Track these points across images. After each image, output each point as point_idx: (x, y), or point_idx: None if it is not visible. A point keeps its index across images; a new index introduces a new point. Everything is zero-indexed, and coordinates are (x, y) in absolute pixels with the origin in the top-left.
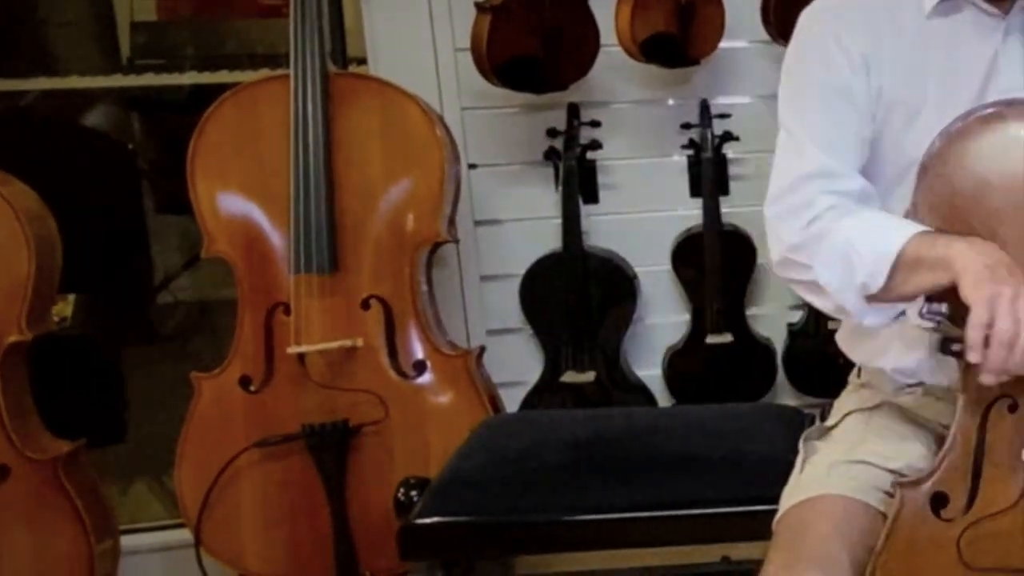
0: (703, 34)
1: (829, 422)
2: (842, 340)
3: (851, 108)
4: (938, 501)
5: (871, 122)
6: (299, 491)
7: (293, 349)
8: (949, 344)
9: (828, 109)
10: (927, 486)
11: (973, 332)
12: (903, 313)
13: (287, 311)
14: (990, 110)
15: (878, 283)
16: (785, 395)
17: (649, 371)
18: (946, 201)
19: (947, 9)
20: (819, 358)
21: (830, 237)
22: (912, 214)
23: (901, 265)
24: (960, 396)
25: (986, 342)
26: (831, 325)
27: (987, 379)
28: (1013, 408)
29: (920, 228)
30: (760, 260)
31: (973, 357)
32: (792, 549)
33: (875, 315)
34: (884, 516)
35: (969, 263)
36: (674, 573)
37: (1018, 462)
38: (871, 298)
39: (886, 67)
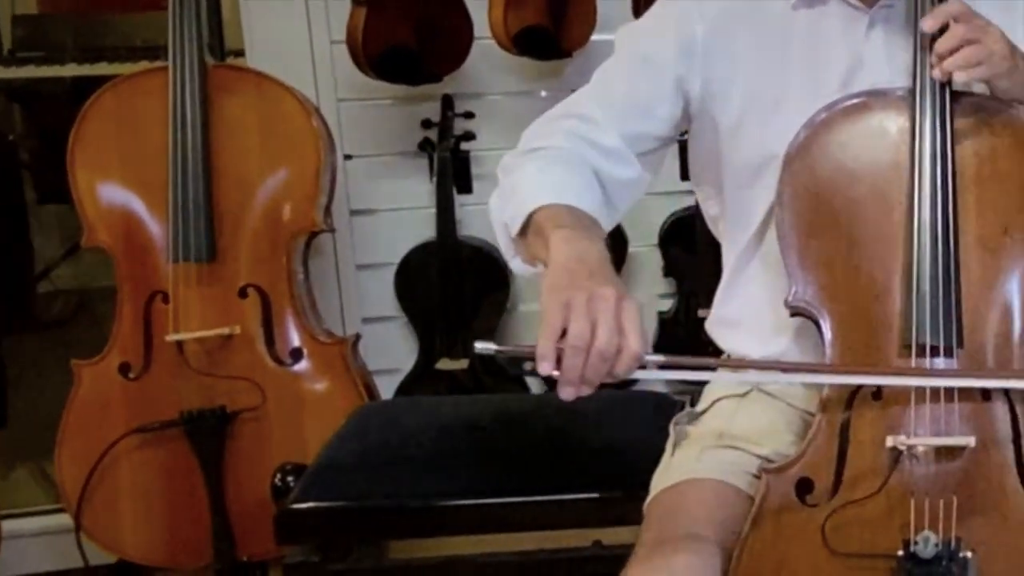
0: (575, 27)
1: (699, 407)
2: (711, 328)
3: (653, 80)
4: (803, 487)
5: (677, 102)
6: (178, 477)
7: (171, 337)
8: (521, 364)
9: (629, 69)
10: (792, 472)
11: (542, 341)
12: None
13: (166, 299)
14: (854, 101)
15: (514, 230)
16: (655, 381)
17: None
18: (810, 191)
19: (813, 0)
20: (689, 345)
21: (519, 172)
22: (777, 204)
23: (531, 226)
24: (826, 384)
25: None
26: (701, 313)
27: (565, 392)
28: (877, 395)
29: (571, 203)
30: (631, 250)
31: (544, 369)
32: (662, 531)
33: (519, 263)
34: (753, 500)
35: (555, 261)
36: (547, 558)
37: (882, 449)
38: (517, 245)
39: (743, 56)
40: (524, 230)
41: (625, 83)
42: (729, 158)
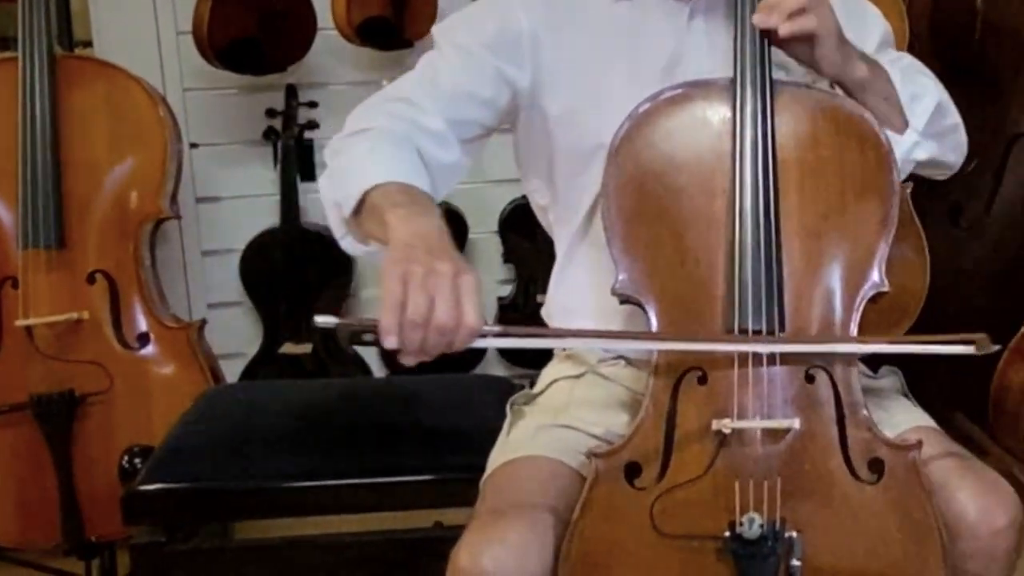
0: (417, 18)
1: (536, 389)
2: (546, 314)
3: (474, 70)
4: (632, 471)
5: (501, 92)
6: (27, 459)
7: (21, 322)
8: (360, 336)
9: (452, 60)
10: (621, 456)
11: (385, 315)
12: None
13: (15, 285)
14: (677, 91)
15: (347, 210)
16: (495, 366)
17: None
18: (635, 180)
19: None
20: None
21: (348, 152)
22: (602, 193)
23: (365, 205)
24: (653, 367)
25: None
26: (539, 299)
27: (406, 360)
28: (703, 380)
29: (405, 180)
30: (471, 236)
31: (389, 343)
32: (498, 504)
33: (351, 243)
34: (585, 479)
35: (394, 238)
36: (389, 538)
37: (708, 433)
38: (349, 224)
39: (570, 48)
40: (358, 209)
41: (448, 72)
42: (558, 149)
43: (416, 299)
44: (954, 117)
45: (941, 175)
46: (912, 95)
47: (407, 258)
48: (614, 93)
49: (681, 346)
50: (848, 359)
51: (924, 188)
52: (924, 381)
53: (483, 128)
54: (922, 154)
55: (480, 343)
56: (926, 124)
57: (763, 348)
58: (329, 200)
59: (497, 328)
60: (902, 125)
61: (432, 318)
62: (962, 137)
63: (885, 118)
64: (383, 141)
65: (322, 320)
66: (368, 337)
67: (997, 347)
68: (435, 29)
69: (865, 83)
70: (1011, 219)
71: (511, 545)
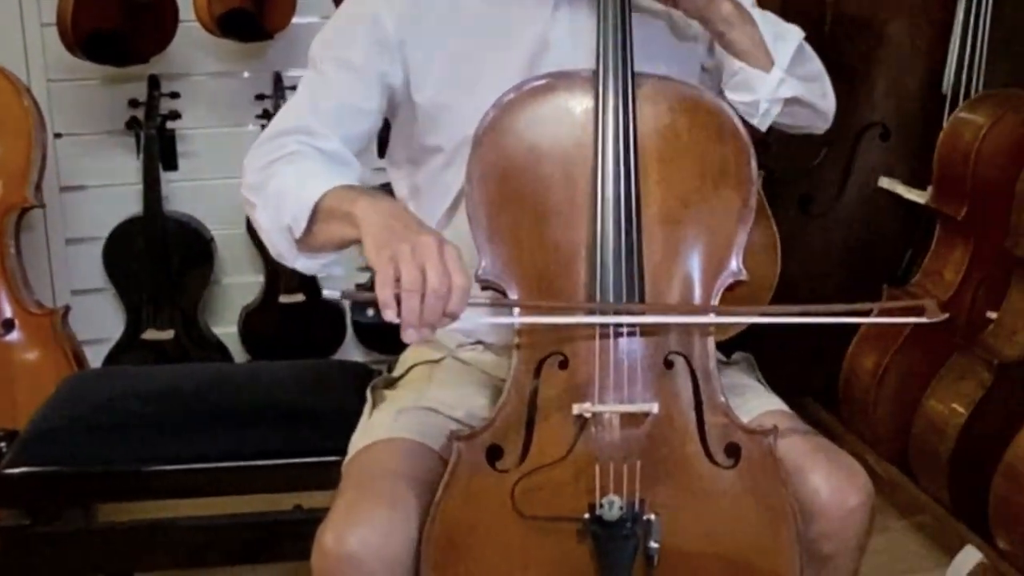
0: (277, 10)
1: (395, 373)
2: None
3: (357, 83)
4: (493, 453)
5: (383, 96)
6: None
7: None
8: (364, 309)
9: (333, 78)
10: (483, 439)
11: (381, 292)
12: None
13: None
14: (540, 82)
15: (300, 228)
16: (353, 351)
17: (226, 329)
18: (499, 169)
19: None
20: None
21: (275, 180)
22: (467, 182)
23: (319, 214)
24: (514, 352)
25: (399, 299)
26: None
27: (408, 336)
28: (564, 365)
29: (343, 182)
30: None
31: (389, 316)
32: (360, 488)
33: (305, 261)
34: (447, 461)
35: (370, 224)
36: (249, 521)
37: (569, 417)
38: (301, 244)
39: (437, 41)
40: (310, 223)
41: (332, 91)
42: (429, 140)
43: (409, 272)
44: (817, 63)
45: (814, 127)
46: (775, 35)
47: (391, 238)
48: (481, 85)
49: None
50: (705, 346)
51: (776, 177)
52: (775, 367)
53: (372, 135)
54: (788, 91)
55: (472, 314)
56: (791, 62)
57: (627, 319)
58: (273, 229)
59: (485, 298)
60: (768, 63)
61: (427, 285)
62: (828, 86)
63: (751, 55)
64: (303, 160)
65: (328, 293)
66: (369, 312)
67: (946, 315)
68: (311, 49)
69: (731, 19)
70: (860, 207)
71: (375, 526)
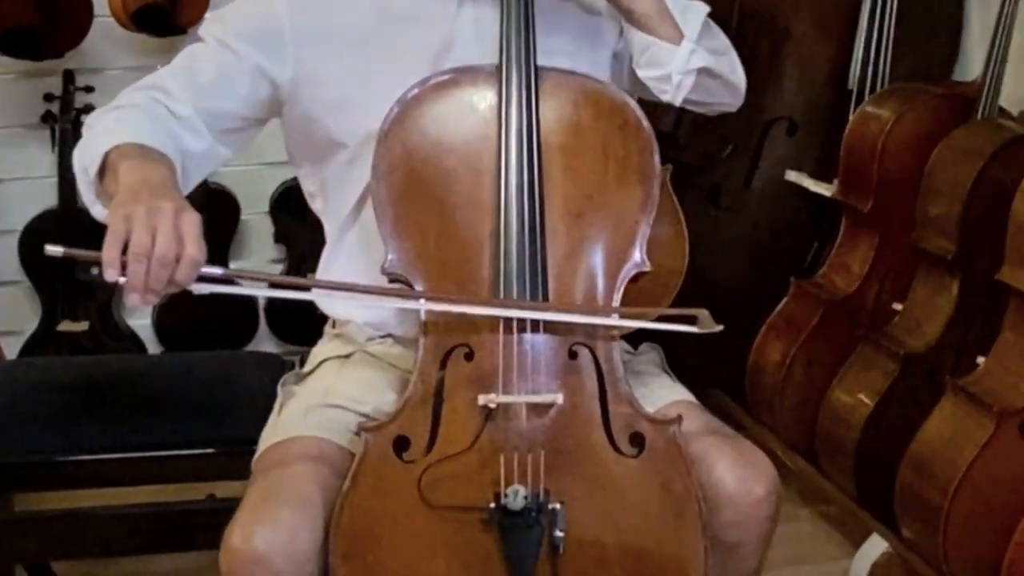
0: (190, 5)
1: (306, 369)
2: (317, 296)
3: (231, 65)
4: (400, 444)
5: (257, 86)
6: None
7: None
8: (87, 268)
9: (210, 53)
10: (390, 430)
11: (107, 251)
12: None
13: None
14: (444, 77)
15: (92, 172)
16: (267, 343)
17: (140, 321)
18: (404, 163)
19: None
20: (298, 309)
21: (99, 124)
22: (372, 176)
23: (107, 166)
24: (420, 344)
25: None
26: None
27: (132, 300)
28: (469, 356)
29: (142, 142)
30: (244, 217)
31: (110, 276)
32: (267, 487)
33: (99, 211)
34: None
35: (123, 185)
36: (163, 510)
37: (474, 407)
38: (99, 193)
39: (338, 38)
40: (103, 173)
41: (205, 64)
42: (330, 136)
43: (138, 233)
44: (724, 38)
45: (727, 105)
46: (682, 8)
47: (132, 200)
48: (383, 80)
49: (440, 307)
50: (609, 335)
51: (684, 169)
52: (683, 358)
53: (241, 120)
54: (700, 61)
55: (203, 288)
56: (699, 33)
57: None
58: (79, 168)
59: (219, 270)
60: (677, 36)
61: (154, 251)
62: (737, 61)
63: (660, 29)
64: (131, 113)
65: (52, 249)
66: (94, 271)
67: (720, 327)
68: (203, 24)
69: None
70: (767, 200)
71: (282, 526)
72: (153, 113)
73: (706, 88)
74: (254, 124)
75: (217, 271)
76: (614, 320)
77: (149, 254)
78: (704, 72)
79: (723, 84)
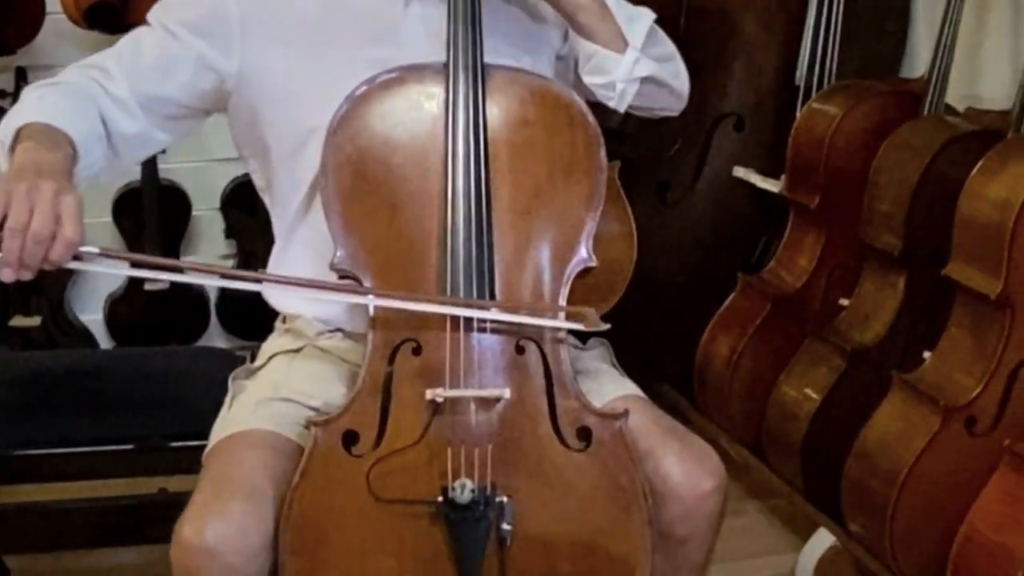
0: (141, 4)
1: (256, 363)
2: (265, 290)
3: (174, 51)
4: (349, 439)
5: (198, 75)
6: None
7: None
8: None
9: (154, 38)
10: (339, 424)
11: None
12: None
13: None
14: (392, 74)
15: (7, 146)
16: (218, 338)
17: (92, 316)
18: (353, 160)
19: None
20: (249, 304)
21: (27, 98)
22: (321, 173)
23: (18, 142)
24: (369, 339)
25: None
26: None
27: (5, 275)
28: (417, 351)
29: (55, 124)
30: (195, 212)
31: None
32: (220, 480)
33: None
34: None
35: (13, 163)
36: (115, 504)
37: (422, 402)
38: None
39: (286, 33)
40: (15, 148)
41: (148, 48)
42: (275, 131)
43: (16, 210)
44: (670, 45)
45: (670, 109)
46: (628, 16)
47: (15, 178)
48: (331, 76)
49: (388, 303)
50: (556, 332)
51: (633, 166)
52: (631, 353)
53: (182, 107)
54: (644, 71)
55: (79, 266)
56: (644, 42)
57: (476, 313)
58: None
59: (96, 249)
60: (622, 44)
61: (30, 227)
62: (682, 66)
63: (605, 37)
64: (58, 92)
65: None
66: None
67: (606, 326)
68: (152, 10)
69: (582, 2)
70: (715, 196)
71: (233, 519)
72: (85, 92)
73: (650, 95)
74: (195, 114)
75: (94, 250)
76: (510, 316)
77: (25, 230)
78: (648, 80)
79: (667, 91)
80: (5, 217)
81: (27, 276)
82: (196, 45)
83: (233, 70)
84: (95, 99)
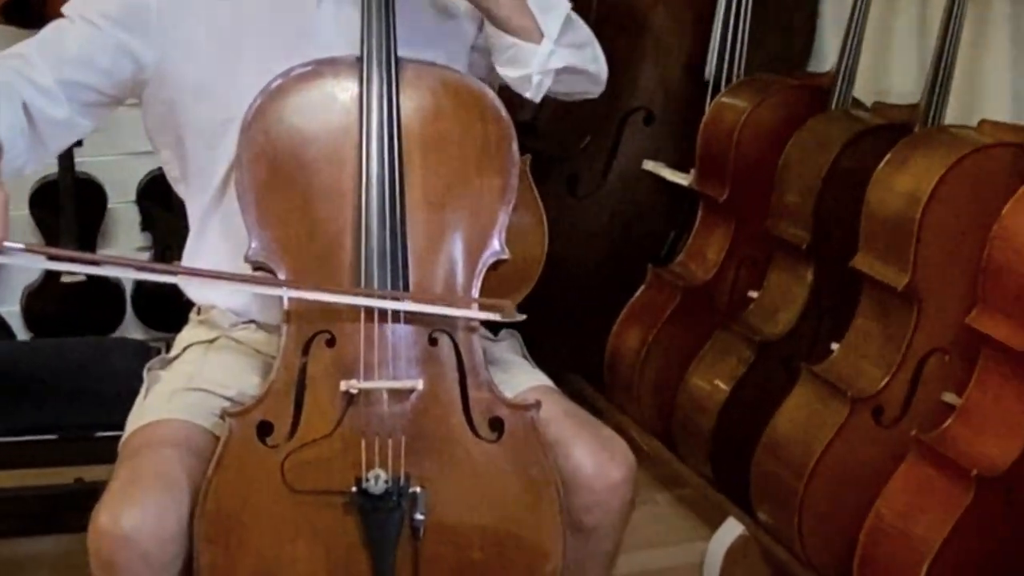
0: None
1: (171, 354)
2: (184, 282)
3: (94, 40)
4: (264, 429)
5: (118, 62)
6: None
7: None
8: None
9: (74, 28)
10: (253, 415)
11: None
12: None
13: None
14: (307, 68)
15: None
16: (134, 330)
17: (8, 308)
18: (267, 154)
19: None
20: (164, 296)
21: None
22: (236, 165)
23: None
24: (284, 331)
25: None
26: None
27: None
28: (331, 343)
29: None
30: (111, 205)
31: None
32: (133, 469)
33: None
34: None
35: None
36: (31, 494)
37: (336, 393)
38: None
39: (202, 25)
40: None
41: (69, 37)
42: (189, 122)
43: None
44: (586, 30)
45: (589, 92)
46: (542, 7)
47: None
48: (246, 69)
49: (301, 295)
50: (469, 323)
51: (544, 159)
52: (542, 344)
53: (101, 95)
54: (560, 62)
55: (5, 259)
56: (560, 33)
57: (389, 304)
58: None
59: (21, 245)
60: (538, 36)
61: None
62: (599, 50)
63: (521, 29)
64: None
65: None
66: None
67: (523, 316)
68: (68, 3)
69: None
70: (625, 190)
71: (148, 508)
72: (5, 85)
73: (568, 82)
74: (113, 101)
75: (18, 246)
76: (424, 307)
77: None
78: (565, 70)
79: (585, 76)
80: None
81: None
82: (117, 35)
83: (151, 61)
84: (17, 90)
